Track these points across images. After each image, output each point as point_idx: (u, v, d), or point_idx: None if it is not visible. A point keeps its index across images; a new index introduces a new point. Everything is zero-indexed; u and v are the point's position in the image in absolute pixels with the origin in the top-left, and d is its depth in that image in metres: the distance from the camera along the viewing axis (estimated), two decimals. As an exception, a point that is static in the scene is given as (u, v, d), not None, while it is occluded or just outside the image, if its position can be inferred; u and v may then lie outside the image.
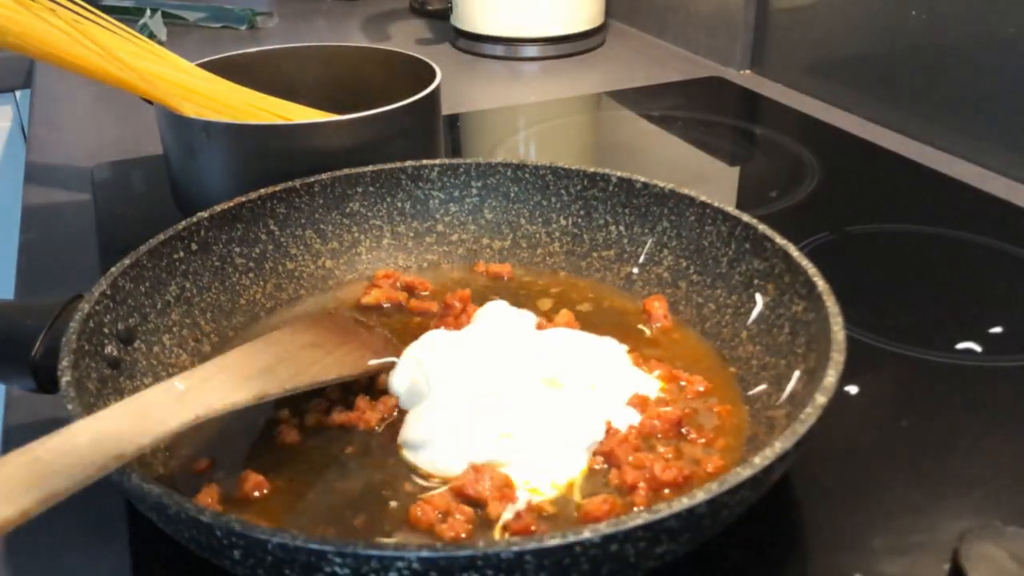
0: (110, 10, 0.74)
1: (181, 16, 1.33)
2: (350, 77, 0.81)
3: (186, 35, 1.28)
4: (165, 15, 1.31)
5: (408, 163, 0.62)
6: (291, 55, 0.80)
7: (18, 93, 1.25)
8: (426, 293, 0.60)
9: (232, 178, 0.66)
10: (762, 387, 0.48)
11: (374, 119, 0.65)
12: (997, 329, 0.57)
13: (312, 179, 0.59)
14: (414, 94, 0.67)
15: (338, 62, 0.81)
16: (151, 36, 1.24)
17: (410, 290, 0.60)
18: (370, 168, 0.61)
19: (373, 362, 0.50)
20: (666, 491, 0.42)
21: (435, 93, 0.70)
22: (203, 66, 0.74)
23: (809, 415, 0.37)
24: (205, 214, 0.55)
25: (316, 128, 0.64)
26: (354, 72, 0.81)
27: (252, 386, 0.42)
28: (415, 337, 0.52)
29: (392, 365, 0.50)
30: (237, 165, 0.65)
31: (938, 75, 0.85)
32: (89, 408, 0.40)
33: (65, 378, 0.40)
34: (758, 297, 0.51)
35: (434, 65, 0.73)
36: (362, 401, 0.48)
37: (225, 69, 0.75)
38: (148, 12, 1.29)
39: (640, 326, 0.55)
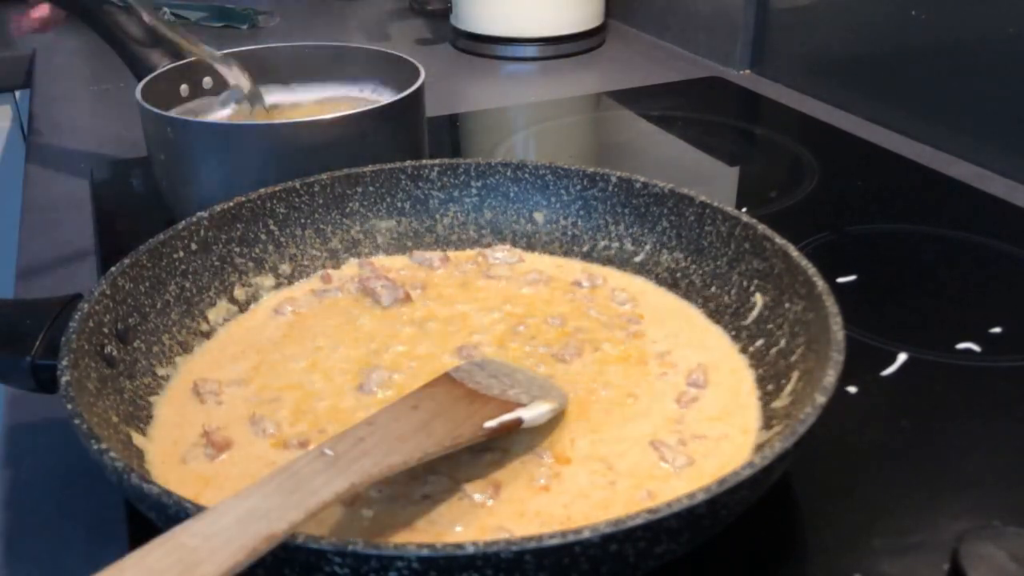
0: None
1: (183, 15, 1.33)
2: (347, 76, 0.81)
3: (187, 34, 1.28)
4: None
5: (408, 163, 0.62)
6: (290, 54, 0.80)
7: (18, 93, 1.25)
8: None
9: (208, 178, 0.66)
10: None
11: (355, 119, 0.65)
12: (997, 329, 0.57)
13: (312, 179, 0.59)
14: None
15: (335, 61, 0.81)
16: None
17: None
18: (370, 168, 0.61)
19: (524, 414, 0.44)
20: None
21: (417, 93, 0.70)
22: (202, 64, 0.75)
23: (809, 415, 0.37)
24: (205, 214, 0.55)
25: (297, 128, 0.64)
26: (351, 71, 0.81)
27: (409, 447, 0.38)
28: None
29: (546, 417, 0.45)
30: (211, 165, 0.65)
31: (938, 75, 0.85)
32: (88, 408, 0.40)
33: (65, 378, 0.40)
34: (758, 297, 0.51)
35: (418, 65, 0.73)
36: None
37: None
38: (162, 11, 1.29)
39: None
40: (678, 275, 0.57)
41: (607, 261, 0.60)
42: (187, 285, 0.53)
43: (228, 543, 0.30)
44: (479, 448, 0.43)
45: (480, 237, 0.63)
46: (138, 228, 0.58)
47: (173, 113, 0.70)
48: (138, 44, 0.76)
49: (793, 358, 0.46)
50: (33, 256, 0.71)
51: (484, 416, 0.42)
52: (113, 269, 0.48)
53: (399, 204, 0.62)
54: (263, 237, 0.58)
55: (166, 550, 0.30)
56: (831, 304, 0.44)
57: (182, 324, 0.52)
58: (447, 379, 0.45)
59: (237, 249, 0.56)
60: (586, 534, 0.32)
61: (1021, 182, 0.78)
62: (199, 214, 0.54)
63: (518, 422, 0.43)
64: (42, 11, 0.82)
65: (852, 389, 0.51)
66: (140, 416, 0.46)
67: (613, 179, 0.60)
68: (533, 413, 0.44)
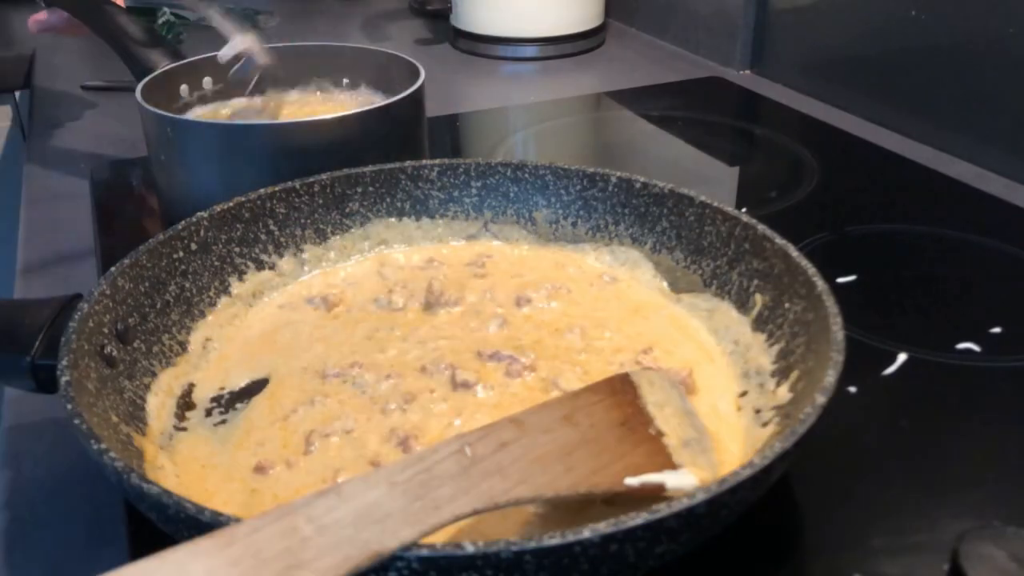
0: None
1: (183, 15, 1.33)
2: (347, 76, 0.81)
3: (187, 34, 1.28)
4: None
5: (408, 163, 0.62)
6: (290, 54, 0.80)
7: (18, 93, 1.25)
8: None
9: (208, 178, 0.66)
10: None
11: (356, 119, 0.65)
12: (997, 329, 0.57)
13: (312, 179, 0.59)
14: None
15: (334, 61, 0.81)
16: (169, 33, 1.25)
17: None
18: (370, 168, 0.61)
19: (669, 480, 0.38)
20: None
21: (417, 93, 0.70)
22: (203, 64, 0.75)
23: (809, 415, 0.37)
24: (205, 214, 0.55)
25: (297, 128, 0.64)
26: (351, 72, 0.81)
27: (543, 480, 0.34)
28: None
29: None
30: (211, 165, 0.65)
31: (938, 75, 0.85)
32: (88, 408, 0.40)
33: (64, 378, 0.40)
34: (758, 297, 0.51)
35: (419, 65, 0.73)
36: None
37: (224, 67, 0.76)
38: (163, 11, 1.29)
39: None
40: (678, 275, 0.57)
41: (606, 261, 0.60)
42: (187, 285, 0.53)
43: (337, 547, 0.29)
44: None
45: (480, 237, 0.63)
46: (138, 228, 0.58)
47: (173, 113, 0.70)
48: (138, 44, 0.76)
49: (793, 358, 0.46)
50: (33, 256, 0.71)
51: (629, 464, 0.37)
52: (113, 269, 0.48)
53: (399, 204, 0.62)
54: (263, 237, 0.58)
55: (280, 531, 0.29)
56: (831, 304, 0.44)
57: (182, 324, 0.52)
58: (610, 387, 0.40)
59: (237, 249, 0.56)
60: (586, 534, 0.32)
61: (1021, 182, 0.78)
62: (199, 214, 0.54)
63: (660, 488, 0.37)
64: (41, 16, 0.82)
65: (852, 389, 0.51)
66: (140, 416, 0.46)
67: (613, 179, 0.60)
68: (678, 482, 0.38)
